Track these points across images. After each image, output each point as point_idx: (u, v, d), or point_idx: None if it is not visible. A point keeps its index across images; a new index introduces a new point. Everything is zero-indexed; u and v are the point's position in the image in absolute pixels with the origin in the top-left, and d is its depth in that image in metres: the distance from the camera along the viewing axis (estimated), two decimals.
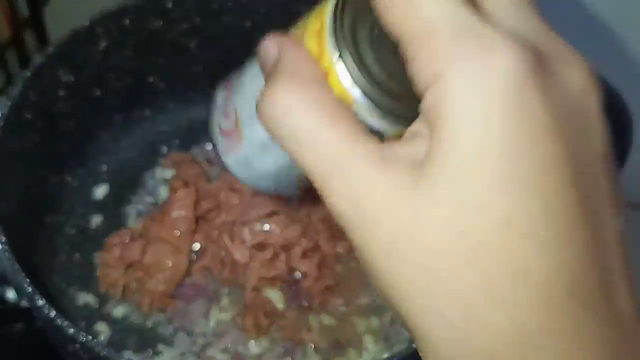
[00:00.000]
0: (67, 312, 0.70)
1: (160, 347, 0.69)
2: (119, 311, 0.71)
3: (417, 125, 0.27)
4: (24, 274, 0.54)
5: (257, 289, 0.71)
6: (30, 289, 0.54)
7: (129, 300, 0.71)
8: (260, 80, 0.34)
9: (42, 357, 0.72)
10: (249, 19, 0.80)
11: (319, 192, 0.29)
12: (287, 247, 0.73)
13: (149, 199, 0.79)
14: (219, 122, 0.43)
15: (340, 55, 0.29)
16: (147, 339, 0.69)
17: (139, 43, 0.77)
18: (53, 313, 0.52)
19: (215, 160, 0.83)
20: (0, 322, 0.72)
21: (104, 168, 0.81)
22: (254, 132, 0.38)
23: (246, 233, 0.73)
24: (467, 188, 0.24)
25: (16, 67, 1.00)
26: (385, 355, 0.55)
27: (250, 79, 0.38)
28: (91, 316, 0.71)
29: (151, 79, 0.81)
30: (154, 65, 0.80)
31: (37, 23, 1.02)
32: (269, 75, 0.31)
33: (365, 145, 0.27)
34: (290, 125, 0.28)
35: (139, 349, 0.69)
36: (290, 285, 0.72)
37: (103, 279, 0.72)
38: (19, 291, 0.61)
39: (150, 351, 0.69)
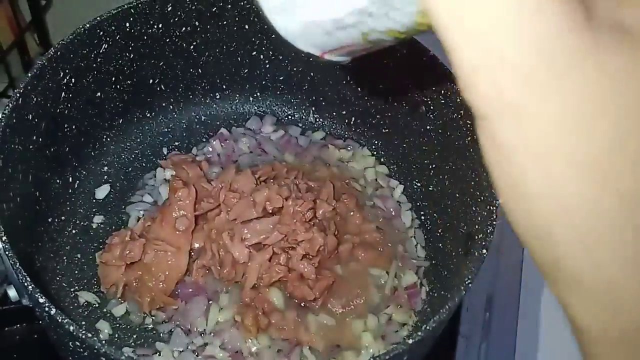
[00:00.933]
0: (69, 311, 0.71)
1: (160, 345, 0.69)
2: (119, 310, 0.71)
3: None
4: (25, 273, 0.55)
5: (256, 288, 0.72)
6: (31, 288, 0.54)
7: (130, 299, 0.72)
8: None
9: (44, 356, 0.73)
10: (248, 23, 0.81)
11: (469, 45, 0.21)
12: (286, 248, 0.73)
13: (149, 199, 0.80)
14: None
15: None
16: (147, 337, 0.70)
17: (140, 46, 0.78)
18: (53, 310, 0.53)
19: (214, 160, 0.84)
20: (3, 323, 0.73)
21: (105, 169, 0.82)
22: None
23: (245, 232, 0.73)
24: None
25: (19, 71, 1.02)
26: (383, 352, 0.56)
27: None
28: (92, 315, 0.71)
29: (151, 82, 0.83)
30: (154, 68, 0.81)
31: (39, 27, 1.04)
32: None
33: None
34: None
35: (138, 346, 0.70)
36: (289, 284, 0.72)
37: (104, 278, 0.73)
38: (21, 290, 0.62)
39: (150, 349, 0.69)
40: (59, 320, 0.53)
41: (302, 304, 0.72)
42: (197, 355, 0.69)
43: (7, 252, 0.57)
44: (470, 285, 0.58)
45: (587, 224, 0.22)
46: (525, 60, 0.21)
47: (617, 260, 0.22)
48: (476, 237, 0.65)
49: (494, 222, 0.61)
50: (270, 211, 0.74)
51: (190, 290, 0.73)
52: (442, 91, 0.72)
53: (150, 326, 0.71)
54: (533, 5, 0.20)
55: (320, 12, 0.31)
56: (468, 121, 0.69)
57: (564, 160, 0.21)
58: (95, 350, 0.52)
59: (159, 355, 0.69)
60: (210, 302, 0.72)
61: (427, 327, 0.56)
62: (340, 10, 0.30)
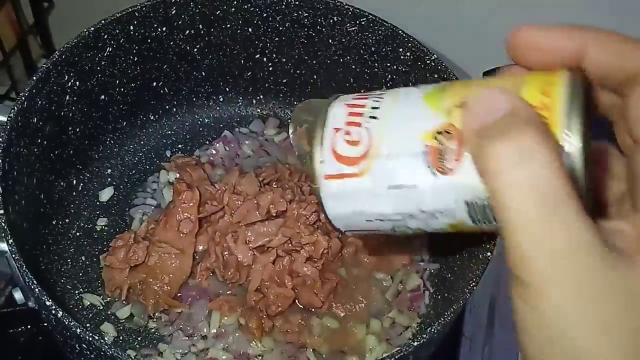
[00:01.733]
0: (74, 313, 0.71)
1: (163, 347, 0.70)
2: (124, 312, 0.72)
3: (622, 225, 0.32)
4: (32, 275, 0.55)
5: (260, 291, 0.72)
6: (37, 290, 0.55)
7: (134, 302, 0.72)
8: (423, 120, 0.35)
9: (49, 359, 0.73)
10: (251, 26, 0.81)
11: (519, 262, 0.30)
12: (290, 250, 0.73)
13: (153, 202, 0.81)
14: (334, 142, 0.39)
15: (570, 138, 0.32)
16: (151, 339, 0.70)
17: (144, 49, 0.78)
18: (60, 313, 0.53)
19: (218, 163, 0.84)
20: (8, 325, 0.74)
21: (109, 172, 0.82)
22: (391, 169, 0.36)
23: (249, 235, 0.73)
24: None
25: (21, 73, 1.02)
26: (388, 354, 0.56)
27: (407, 114, 0.37)
28: (97, 317, 0.72)
29: (155, 85, 0.83)
30: (158, 71, 0.82)
31: (41, 30, 1.04)
32: (496, 123, 0.32)
33: (595, 225, 0.30)
34: (528, 174, 0.30)
35: (142, 348, 0.70)
36: (293, 287, 0.72)
37: (108, 281, 0.73)
38: (27, 293, 0.62)
39: (153, 351, 0.69)
40: (66, 323, 0.53)
41: (306, 307, 0.72)
42: (200, 357, 0.69)
43: (13, 254, 0.57)
44: (475, 287, 0.59)
45: None
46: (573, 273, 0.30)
47: None
48: (480, 240, 0.65)
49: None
50: (274, 214, 0.74)
51: (194, 293, 0.73)
52: None
53: (154, 329, 0.71)
54: (574, 245, 0.29)
55: (372, 207, 0.38)
56: None
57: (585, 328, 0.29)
58: (102, 353, 0.53)
59: (162, 357, 0.69)
60: (214, 304, 0.72)
61: (432, 330, 0.56)
62: (386, 210, 0.38)
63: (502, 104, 0.32)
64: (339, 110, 0.39)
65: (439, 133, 0.35)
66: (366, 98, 0.39)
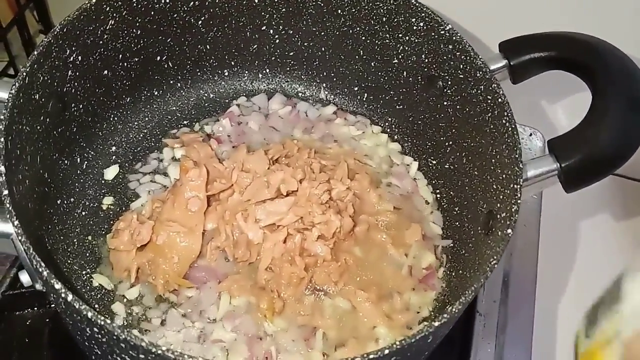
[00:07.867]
0: (82, 294, 0.70)
1: (172, 327, 0.68)
2: (133, 292, 0.70)
3: None
4: (39, 259, 0.53)
5: (271, 270, 0.71)
6: (46, 273, 0.53)
7: (144, 282, 0.70)
8: None
9: (56, 340, 0.71)
10: None
11: None
12: (301, 229, 0.72)
13: (159, 179, 0.79)
14: None
15: None
16: (160, 320, 0.69)
17: (147, 22, 0.75)
18: (70, 296, 0.51)
19: (224, 139, 0.82)
20: (14, 307, 0.72)
21: (114, 149, 0.80)
22: None
23: (259, 213, 0.72)
24: None
25: (19, 49, 0.99)
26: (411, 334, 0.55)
27: None
28: (106, 298, 0.70)
29: (159, 59, 0.80)
30: (161, 45, 0.79)
31: (39, 4, 1.01)
32: None
33: None
34: None
35: (150, 330, 0.68)
36: (305, 267, 0.70)
37: (116, 264, 0.71)
38: (34, 275, 0.60)
39: (160, 332, 0.68)
40: (76, 307, 0.51)
41: (318, 287, 0.70)
42: (210, 336, 0.67)
43: (19, 237, 0.55)
44: (496, 265, 0.57)
45: None
46: None
47: None
48: (498, 217, 0.63)
49: (518, 201, 0.60)
50: (285, 193, 0.73)
51: (204, 272, 0.71)
52: (462, 66, 0.70)
53: (163, 309, 0.69)
54: None
55: None
56: (489, 96, 0.67)
57: None
58: (115, 337, 0.51)
59: (165, 338, 0.67)
60: (224, 283, 0.70)
61: (453, 310, 0.55)
62: None
63: None
64: None
65: None
66: None
